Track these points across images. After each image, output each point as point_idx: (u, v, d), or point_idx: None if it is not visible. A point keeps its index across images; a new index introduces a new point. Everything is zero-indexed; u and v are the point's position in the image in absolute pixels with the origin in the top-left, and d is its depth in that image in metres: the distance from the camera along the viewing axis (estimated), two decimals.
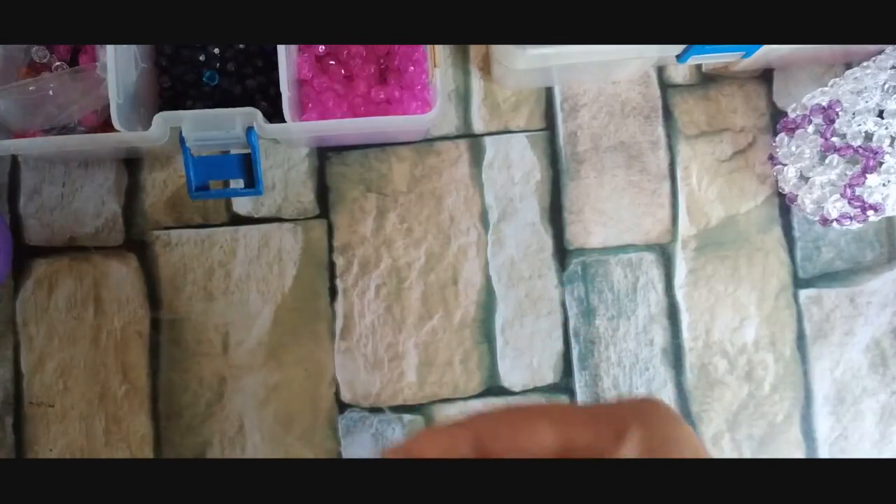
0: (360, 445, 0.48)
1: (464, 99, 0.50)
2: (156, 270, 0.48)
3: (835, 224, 0.46)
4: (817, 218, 0.47)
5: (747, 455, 0.50)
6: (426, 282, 0.49)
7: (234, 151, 0.42)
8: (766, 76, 0.51)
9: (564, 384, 0.49)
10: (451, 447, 0.21)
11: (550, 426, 0.20)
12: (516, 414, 0.21)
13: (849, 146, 0.43)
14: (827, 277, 0.51)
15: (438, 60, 0.42)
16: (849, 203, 0.44)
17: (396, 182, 0.49)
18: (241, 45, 0.46)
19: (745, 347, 0.50)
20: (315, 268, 0.49)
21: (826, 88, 0.47)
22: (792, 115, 0.47)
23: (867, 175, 0.43)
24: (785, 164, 0.47)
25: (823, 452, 0.50)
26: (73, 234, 0.48)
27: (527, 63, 0.43)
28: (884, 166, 0.43)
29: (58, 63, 0.45)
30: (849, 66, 0.50)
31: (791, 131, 0.47)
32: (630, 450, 0.20)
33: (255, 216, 0.49)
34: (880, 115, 0.43)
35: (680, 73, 0.51)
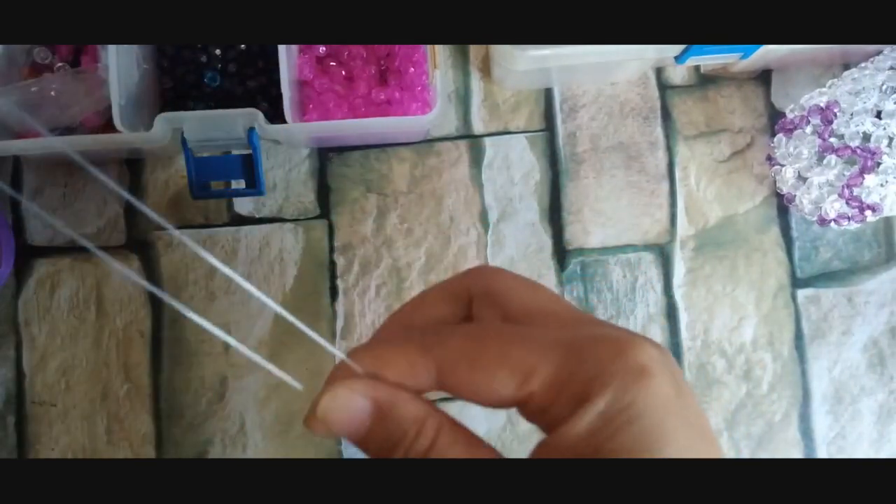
0: None
1: (464, 100, 0.50)
2: (158, 270, 0.49)
3: (833, 224, 0.46)
4: (815, 218, 0.47)
5: (745, 454, 0.50)
6: (426, 281, 0.49)
7: (235, 152, 0.42)
8: (764, 77, 0.51)
9: None
10: (410, 372, 0.21)
11: (510, 376, 0.19)
12: (479, 354, 0.20)
13: (847, 147, 0.43)
14: (825, 277, 0.51)
15: (438, 62, 0.42)
16: (847, 203, 0.44)
17: (397, 182, 0.49)
18: (243, 47, 0.46)
19: (744, 347, 0.50)
20: (316, 268, 0.49)
21: (824, 89, 0.47)
22: (790, 116, 0.47)
23: (865, 175, 0.43)
24: (783, 165, 0.47)
25: (821, 451, 0.50)
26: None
27: (526, 64, 0.43)
28: (881, 167, 0.43)
29: (60, 64, 0.45)
30: (847, 67, 0.51)
31: (789, 132, 0.47)
32: (585, 424, 0.18)
33: (257, 216, 0.49)
34: (878, 115, 0.43)
35: (678, 75, 0.51)
